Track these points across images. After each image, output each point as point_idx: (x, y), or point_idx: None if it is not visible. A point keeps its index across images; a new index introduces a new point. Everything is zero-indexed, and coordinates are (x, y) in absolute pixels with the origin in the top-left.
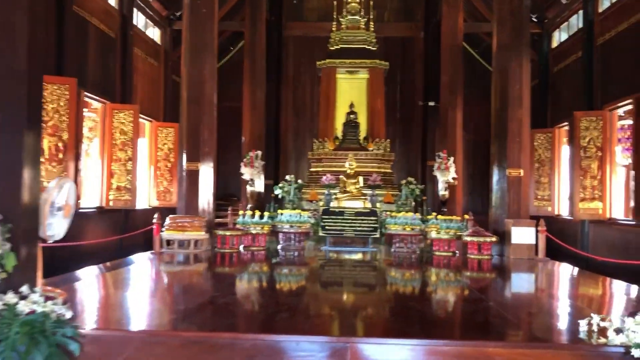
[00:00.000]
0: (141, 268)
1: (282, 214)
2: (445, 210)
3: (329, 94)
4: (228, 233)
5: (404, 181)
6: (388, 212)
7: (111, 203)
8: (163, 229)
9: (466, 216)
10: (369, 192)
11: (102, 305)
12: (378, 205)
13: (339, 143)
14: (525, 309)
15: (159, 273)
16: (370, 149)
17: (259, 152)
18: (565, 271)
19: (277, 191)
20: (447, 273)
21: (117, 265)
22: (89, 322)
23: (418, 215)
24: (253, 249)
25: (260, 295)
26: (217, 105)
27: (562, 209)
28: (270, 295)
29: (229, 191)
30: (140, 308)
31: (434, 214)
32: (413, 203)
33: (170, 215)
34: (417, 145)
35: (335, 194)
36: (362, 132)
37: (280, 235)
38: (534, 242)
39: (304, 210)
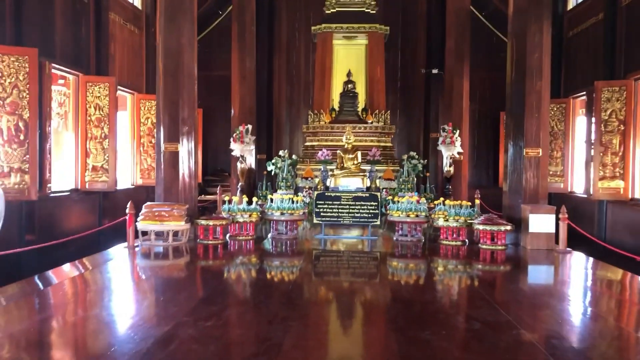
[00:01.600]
0: (110, 268)
1: (272, 199)
2: (450, 187)
3: (325, 61)
4: (212, 223)
5: (405, 156)
6: (388, 191)
7: (87, 185)
8: (138, 219)
9: (477, 201)
10: (368, 168)
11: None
12: (377, 182)
13: (336, 115)
14: (562, 333)
15: (125, 277)
16: (370, 121)
17: (249, 127)
18: (593, 268)
19: (270, 167)
20: (457, 267)
21: (87, 265)
22: None
23: (423, 200)
24: (241, 238)
25: (237, 319)
26: (207, 74)
27: (575, 185)
28: (250, 321)
29: (219, 166)
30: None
31: (442, 199)
32: (415, 179)
33: (147, 203)
34: (419, 116)
35: (332, 170)
36: (361, 103)
37: (272, 223)
38: (553, 230)
39: (298, 188)
